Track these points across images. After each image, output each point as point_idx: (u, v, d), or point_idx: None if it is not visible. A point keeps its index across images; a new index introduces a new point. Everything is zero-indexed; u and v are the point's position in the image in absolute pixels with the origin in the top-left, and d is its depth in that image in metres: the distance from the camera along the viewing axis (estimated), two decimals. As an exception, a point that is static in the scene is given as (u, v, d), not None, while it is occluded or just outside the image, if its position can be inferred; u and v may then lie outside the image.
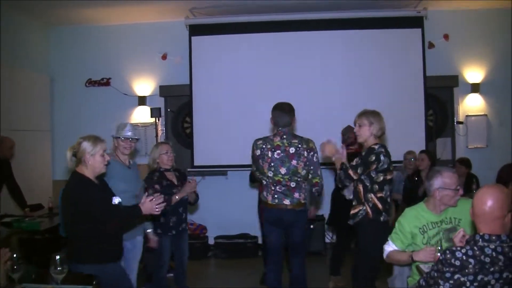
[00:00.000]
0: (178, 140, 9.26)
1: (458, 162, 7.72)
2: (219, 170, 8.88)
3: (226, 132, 8.58)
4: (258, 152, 5.24)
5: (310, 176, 5.21)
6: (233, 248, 8.48)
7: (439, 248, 3.40)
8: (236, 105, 8.69)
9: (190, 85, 8.78)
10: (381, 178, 4.64)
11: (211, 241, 8.74)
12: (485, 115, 8.84)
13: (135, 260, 5.14)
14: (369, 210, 4.64)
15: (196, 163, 8.77)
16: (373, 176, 4.63)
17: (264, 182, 5.29)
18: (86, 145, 3.90)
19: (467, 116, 8.84)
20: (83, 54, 9.30)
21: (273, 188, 5.21)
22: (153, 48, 9.16)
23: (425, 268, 3.58)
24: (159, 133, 8.94)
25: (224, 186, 9.00)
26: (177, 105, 9.33)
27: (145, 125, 9.05)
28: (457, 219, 3.90)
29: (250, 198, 8.34)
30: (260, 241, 8.24)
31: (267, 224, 5.39)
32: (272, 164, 5.16)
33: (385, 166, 4.62)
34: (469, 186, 7.08)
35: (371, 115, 4.76)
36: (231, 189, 8.89)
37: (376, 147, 4.63)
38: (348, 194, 5.02)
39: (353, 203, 4.78)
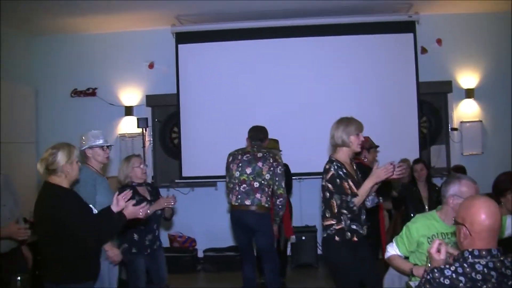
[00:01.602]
0: (165, 150, 9.06)
1: (453, 170, 7.56)
2: (208, 181, 8.64)
3: (215, 142, 8.33)
4: (230, 158, 5.86)
5: (275, 187, 5.68)
6: (223, 261, 8.23)
7: (429, 265, 3.16)
8: (225, 114, 8.47)
9: (177, 94, 8.57)
10: None
11: (200, 254, 8.50)
12: (480, 121, 8.66)
13: (115, 279, 4.92)
14: None
15: (184, 174, 8.54)
16: None
17: (231, 185, 5.75)
18: (62, 154, 3.71)
19: (461, 122, 8.66)
20: (68, 64, 9.10)
21: (237, 188, 5.67)
22: (139, 57, 8.98)
23: (414, 285, 3.36)
24: (146, 143, 8.74)
25: (213, 197, 8.76)
26: (164, 115, 9.10)
27: (132, 136, 8.85)
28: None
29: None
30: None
31: (233, 225, 5.86)
32: (240, 164, 5.71)
33: None
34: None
35: None
36: (220, 200, 8.62)
37: None
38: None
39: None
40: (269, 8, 8.09)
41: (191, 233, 8.64)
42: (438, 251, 2.89)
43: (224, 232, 8.41)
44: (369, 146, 6.26)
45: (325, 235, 4.48)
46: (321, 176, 7.64)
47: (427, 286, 2.52)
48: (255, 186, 5.62)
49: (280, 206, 5.67)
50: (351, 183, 4.39)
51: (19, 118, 8.46)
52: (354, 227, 4.45)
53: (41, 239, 3.79)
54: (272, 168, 5.67)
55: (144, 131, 8.64)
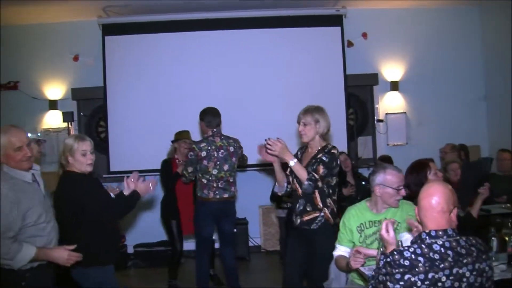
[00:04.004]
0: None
1: (379, 160, 7.77)
2: (137, 176, 8.47)
3: (143, 136, 8.23)
4: (203, 153, 5.73)
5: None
6: (154, 256, 8.12)
7: (381, 249, 3.22)
8: (154, 107, 8.36)
9: (104, 88, 8.38)
10: (334, 181, 4.41)
11: (130, 250, 8.35)
12: (404, 112, 8.92)
13: None
14: (329, 215, 4.35)
15: (112, 169, 8.36)
16: (330, 180, 4.36)
17: (205, 181, 5.78)
18: (67, 143, 3.88)
19: (386, 114, 8.91)
20: (-12, 56, 8.70)
21: (215, 185, 5.77)
22: (64, 49, 8.70)
23: (365, 270, 3.48)
24: (72, 138, 8.48)
25: (142, 192, 8.60)
26: (90, 109, 8.89)
27: (57, 130, 8.60)
28: (397, 222, 3.75)
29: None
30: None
31: (204, 216, 5.86)
32: (218, 162, 5.76)
33: (337, 168, 4.41)
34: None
35: (316, 112, 4.39)
36: (149, 194, 8.53)
37: (335, 151, 4.36)
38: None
39: (307, 209, 4.40)
40: (197, 0, 8.04)
41: (120, 229, 8.46)
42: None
43: (154, 227, 8.28)
44: None
45: None
46: (253, 168, 7.79)
47: (388, 268, 2.58)
48: (231, 180, 5.89)
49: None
50: None
51: None
52: (292, 213, 4.61)
53: (62, 224, 3.82)
54: (240, 152, 6.05)
55: (69, 125, 8.45)
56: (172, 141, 6.78)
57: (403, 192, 3.79)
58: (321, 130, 4.37)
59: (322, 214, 4.35)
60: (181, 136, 6.66)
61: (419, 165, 4.41)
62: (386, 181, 3.77)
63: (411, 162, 4.64)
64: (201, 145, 5.75)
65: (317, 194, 4.36)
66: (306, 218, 4.40)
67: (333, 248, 4.09)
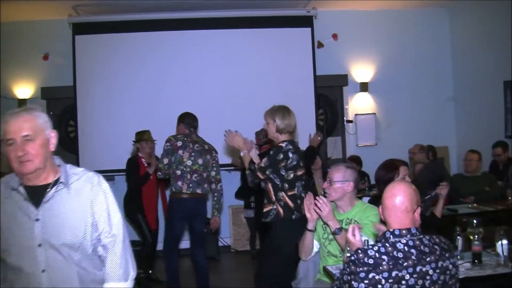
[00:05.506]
0: (61, 144, 8.70)
1: (349, 160, 7.85)
2: (106, 175, 8.37)
3: (113, 136, 8.17)
4: (179, 143, 5.81)
5: (214, 173, 5.97)
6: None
7: (348, 249, 3.28)
8: (124, 107, 8.34)
9: (74, 87, 8.31)
10: (292, 175, 4.50)
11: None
12: (374, 113, 9.01)
13: None
14: (280, 209, 4.47)
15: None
16: (283, 174, 4.48)
17: (179, 173, 5.78)
18: None
19: (356, 115, 9.01)
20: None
21: (189, 177, 5.78)
22: (33, 48, 8.58)
23: (332, 269, 3.56)
24: (41, 137, 8.37)
25: (111, 190, 8.51)
26: (60, 108, 8.79)
27: (25, 130, 8.45)
28: (357, 224, 3.79)
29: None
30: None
31: (177, 214, 5.85)
32: (193, 154, 5.82)
33: (294, 163, 4.49)
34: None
35: (275, 112, 4.60)
36: (118, 194, 8.40)
37: (284, 145, 4.49)
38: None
39: (265, 201, 4.61)
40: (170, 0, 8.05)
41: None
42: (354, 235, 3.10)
43: (126, 226, 8.24)
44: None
45: None
46: (223, 168, 7.77)
47: (352, 267, 2.62)
48: (204, 176, 5.90)
49: (221, 192, 6.01)
50: None
51: None
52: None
53: None
54: (215, 161, 6.01)
55: (38, 125, 8.29)
56: (134, 141, 6.86)
57: (336, 185, 3.89)
58: (281, 128, 4.56)
59: (275, 207, 4.51)
60: (143, 136, 6.76)
61: (391, 166, 4.45)
62: (330, 177, 3.95)
63: (381, 162, 4.70)
64: (178, 137, 5.90)
65: (270, 187, 4.55)
66: (264, 210, 4.60)
67: (283, 244, 4.34)
